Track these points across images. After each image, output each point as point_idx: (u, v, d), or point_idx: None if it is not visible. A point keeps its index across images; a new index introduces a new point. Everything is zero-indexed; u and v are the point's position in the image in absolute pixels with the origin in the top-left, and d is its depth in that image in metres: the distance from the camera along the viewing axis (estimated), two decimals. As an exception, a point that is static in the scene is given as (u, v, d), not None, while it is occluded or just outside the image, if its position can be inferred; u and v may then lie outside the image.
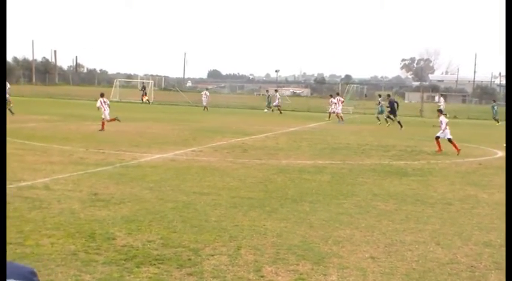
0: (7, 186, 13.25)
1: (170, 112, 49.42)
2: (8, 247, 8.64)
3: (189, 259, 8.49)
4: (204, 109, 55.62)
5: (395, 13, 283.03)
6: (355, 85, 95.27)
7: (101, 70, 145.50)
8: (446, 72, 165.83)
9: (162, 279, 7.67)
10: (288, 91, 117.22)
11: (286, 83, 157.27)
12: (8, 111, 34.75)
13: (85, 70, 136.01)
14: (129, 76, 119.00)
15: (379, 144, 26.47)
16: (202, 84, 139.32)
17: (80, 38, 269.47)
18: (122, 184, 14.32)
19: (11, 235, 9.33)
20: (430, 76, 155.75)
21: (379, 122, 42.67)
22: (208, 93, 58.82)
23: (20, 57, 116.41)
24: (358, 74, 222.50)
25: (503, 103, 46.33)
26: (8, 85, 42.69)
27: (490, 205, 13.40)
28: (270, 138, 28.60)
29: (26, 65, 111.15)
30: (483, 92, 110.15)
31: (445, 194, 14.80)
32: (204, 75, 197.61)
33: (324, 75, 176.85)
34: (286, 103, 70.86)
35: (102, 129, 28.81)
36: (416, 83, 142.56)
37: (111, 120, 29.90)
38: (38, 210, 11.19)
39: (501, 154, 23.83)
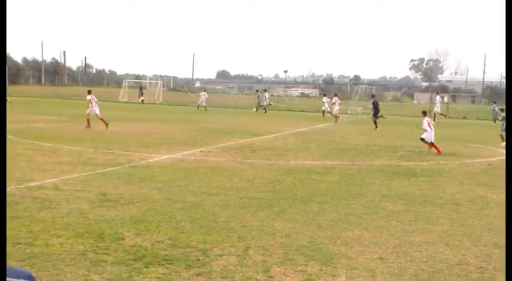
0: (16, 186, 13.32)
1: (179, 113, 49.49)
2: (17, 247, 8.68)
3: (198, 260, 8.50)
4: (204, 109, 55.65)
5: (405, 13, 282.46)
6: (363, 86, 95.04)
7: (109, 71, 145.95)
8: (456, 73, 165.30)
9: (170, 279, 7.68)
10: (296, 92, 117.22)
11: (295, 83, 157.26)
12: None
13: (94, 71, 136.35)
14: (137, 77, 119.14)
15: (388, 145, 26.42)
16: (211, 85, 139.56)
17: (89, 38, 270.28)
18: (130, 184, 14.35)
19: (20, 234, 9.37)
20: (439, 77, 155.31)
21: (382, 117, 42.85)
22: (206, 95, 58.82)
23: (29, 58, 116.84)
24: (367, 75, 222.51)
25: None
26: None
27: (499, 206, 13.33)
28: (279, 138, 28.59)
29: (36, 66, 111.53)
30: (493, 93, 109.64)
31: (454, 195, 14.76)
32: (213, 76, 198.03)
33: (333, 76, 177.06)
34: (294, 104, 70.90)
35: (107, 125, 28.95)
36: (426, 84, 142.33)
37: (88, 120, 30.06)
38: (47, 210, 11.22)
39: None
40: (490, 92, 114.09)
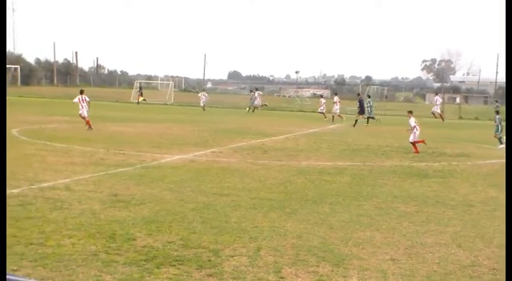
0: (29, 187, 13.39)
1: (190, 113, 49.54)
2: (30, 247, 8.72)
3: (209, 260, 8.50)
4: (203, 109, 55.80)
5: (416, 14, 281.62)
6: (375, 86, 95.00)
7: (121, 71, 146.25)
8: (468, 74, 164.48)
9: (182, 280, 7.69)
10: (308, 92, 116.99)
11: (306, 84, 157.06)
12: None
13: (106, 71, 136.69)
14: (149, 77, 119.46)
15: (400, 145, 26.32)
16: (222, 86, 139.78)
17: (101, 39, 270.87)
18: (142, 184, 14.38)
19: (32, 235, 9.41)
20: (452, 77, 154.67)
21: (377, 119, 42.91)
22: (206, 94, 59.02)
23: (42, 58, 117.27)
24: (378, 75, 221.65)
25: None
26: None
27: (512, 207, 13.26)
28: (290, 139, 28.57)
29: (48, 67, 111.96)
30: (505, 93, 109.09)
31: (467, 196, 14.70)
32: (224, 77, 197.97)
33: (344, 77, 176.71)
34: (306, 104, 70.77)
35: (90, 127, 28.93)
36: (438, 85, 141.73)
37: (84, 118, 30.01)
38: (59, 210, 11.26)
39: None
40: (502, 92, 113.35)
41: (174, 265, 8.20)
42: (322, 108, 47.25)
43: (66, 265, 8.01)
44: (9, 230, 9.52)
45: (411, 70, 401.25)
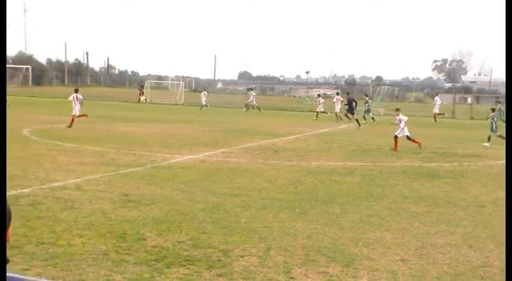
0: (40, 186, 13.45)
1: (200, 113, 49.60)
2: (41, 247, 8.75)
3: (219, 260, 8.51)
4: (201, 108, 56.30)
5: (427, 14, 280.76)
6: (386, 86, 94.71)
7: (132, 72, 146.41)
8: (479, 74, 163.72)
9: (192, 280, 7.70)
10: (318, 92, 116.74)
11: (317, 84, 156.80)
12: None
13: (116, 71, 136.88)
14: (159, 78, 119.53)
15: (410, 146, 26.24)
16: (232, 86, 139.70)
17: (112, 39, 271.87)
18: (152, 184, 14.40)
19: (43, 234, 9.45)
20: (463, 77, 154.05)
21: (374, 123, 42.74)
22: (207, 93, 60.01)
23: (53, 59, 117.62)
24: (389, 76, 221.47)
25: None
26: None
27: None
28: (300, 139, 28.55)
29: (59, 67, 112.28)
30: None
31: (478, 196, 14.64)
32: (235, 77, 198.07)
33: (355, 77, 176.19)
34: (316, 105, 70.67)
35: (70, 126, 29.14)
36: (449, 85, 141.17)
37: (80, 116, 30.52)
38: (69, 210, 11.30)
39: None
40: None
41: (184, 265, 8.21)
42: (320, 106, 47.34)
43: (77, 264, 8.04)
44: (20, 230, 9.57)
45: (422, 70, 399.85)
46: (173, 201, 12.56)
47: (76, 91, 31.70)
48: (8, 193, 12.34)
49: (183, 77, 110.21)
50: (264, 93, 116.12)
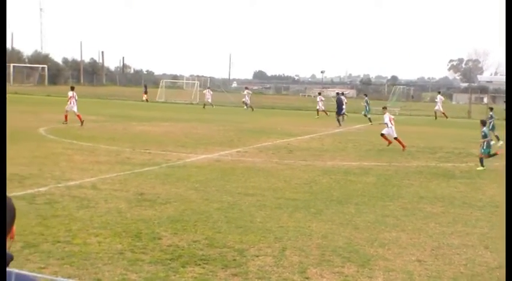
0: (56, 185, 13.51)
1: (216, 113, 49.62)
2: (57, 245, 8.79)
3: (234, 260, 8.51)
4: (202, 106, 56.60)
5: (443, 13, 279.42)
6: (401, 86, 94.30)
7: (147, 71, 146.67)
8: (496, 73, 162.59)
9: (207, 279, 7.71)
10: (333, 92, 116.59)
11: (332, 84, 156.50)
12: None
13: (132, 71, 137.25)
14: (175, 77, 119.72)
15: (426, 146, 26.15)
16: (247, 85, 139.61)
17: (127, 39, 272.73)
18: (167, 184, 14.43)
19: (59, 233, 9.49)
20: (479, 77, 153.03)
21: (370, 123, 42.59)
22: (211, 92, 60.31)
23: (69, 58, 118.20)
24: (404, 75, 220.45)
25: None
26: None
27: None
28: (315, 139, 28.51)
29: (75, 66, 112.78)
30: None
31: (494, 197, 14.55)
32: (250, 76, 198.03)
33: (370, 76, 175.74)
34: (331, 104, 70.55)
35: (82, 123, 29.60)
36: (465, 84, 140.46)
37: (66, 116, 30.69)
38: (85, 209, 11.35)
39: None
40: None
41: (199, 264, 8.22)
42: (319, 106, 47.28)
43: (93, 263, 8.07)
44: (36, 228, 9.63)
45: (438, 70, 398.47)
46: (188, 200, 12.58)
47: (72, 89, 32.16)
48: (24, 192, 12.44)
49: (198, 76, 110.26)
50: (279, 92, 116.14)
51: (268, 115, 49.39)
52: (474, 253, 9.44)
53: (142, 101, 63.49)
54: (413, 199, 13.90)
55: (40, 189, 12.98)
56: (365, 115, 44.12)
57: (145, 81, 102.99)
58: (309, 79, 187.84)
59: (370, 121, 42.54)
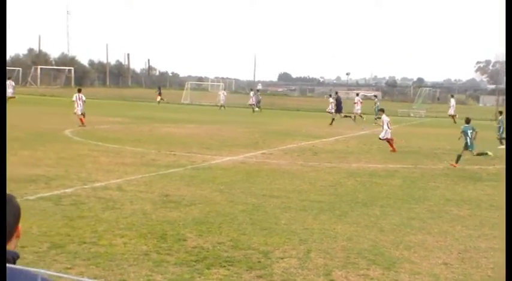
0: (82, 186, 13.61)
1: (240, 115, 49.68)
2: (83, 246, 8.85)
3: (259, 262, 8.50)
4: (219, 108, 56.99)
5: (470, 14, 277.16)
6: (427, 88, 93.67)
7: (172, 73, 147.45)
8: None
9: (232, 281, 7.71)
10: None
11: (357, 86, 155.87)
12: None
13: (157, 73, 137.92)
14: (200, 79, 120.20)
15: (452, 148, 25.89)
16: (272, 87, 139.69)
17: (153, 41, 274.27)
18: (192, 185, 14.47)
19: (85, 234, 9.55)
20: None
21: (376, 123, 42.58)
22: (225, 93, 60.58)
23: (95, 60, 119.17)
24: (430, 77, 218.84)
25: None
26: (12, 83, 47.07)
27: None
28: (340, 141, 28.42)
29: (101, 68, 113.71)
30: None
31: (522, 200, 14.36)
32: (275, 78, 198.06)
33: (396, 78, 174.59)
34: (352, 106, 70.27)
35: (83, 124, 29.76)
36: (492, 86, 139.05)
37: (81, 114, 30.86)
38: (111, 210, 11.41)
39: None
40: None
41: (224, 266, 8.22)
42: (330, 107, 47.20)
43: (118, 264, 8.11)
44: (63, 229, 9.71)
45: (465, 72, 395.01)
46: (213, 202, 12.59)
47: (79, 91, 32.38)
48: (51, 193, 12.56)
49: (223, 78, 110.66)
50: (304, 94, 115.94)
51: (293, 117, 49.38)
52: (502, 257, 9.32)
53: (159, 101, 63.05)
54: (439, 201, 13.79)
55: (66, 190, 13.08)
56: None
57: (170, 83, 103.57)
58: (334, 81, 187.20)
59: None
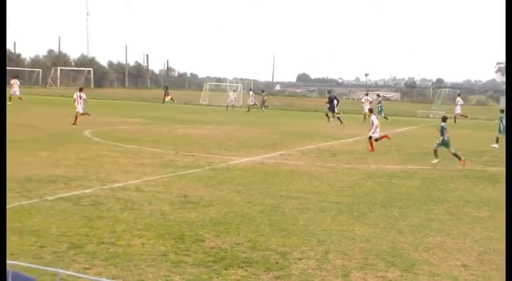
0: (100, 187, 13.67)
1: (259, 116, 49.71)
2: (101, 247, 8.89)
3: (277, 263, 8.49)
4: (227, 108, 57.51)
5: (491, 14, 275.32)
6: (447, 89, 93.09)
7: (191, 74, 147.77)
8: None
9: (249, 282, 7.71)
10: (374, 95, 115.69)
11: (376, 86, 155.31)
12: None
13: (176, 74, 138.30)
14: (218, 80, 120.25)
15: (472, 149, 25.76)
16: (291, 88, 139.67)
17: (172, 42, 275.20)
18: (210, 186, 14.48)
19: (104, 234, 9.59)
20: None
21: (388, 121, 42.49)
22: (235, 95, 61.80)
23: (114, 61, 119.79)
24: (450, 78, 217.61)
25: None
26: (18, 82, 47.17)
27: None
28: (359, 142, 28.32)
29: (120, 69, 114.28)
30: None
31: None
32: (293, 79, 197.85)
33: (415, 79, 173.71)
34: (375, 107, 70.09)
35: (75, 123, 30.07)
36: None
37: (83, 114, 31.20)
38: (129, 211, 11.45)
39: None
40: None
41: (242, 267, 8.22)
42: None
43: (136, 264, 8.14)
44: (81, 230, 9.76)
45: (485, 72, 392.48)
46: (231, 203, 12.60)
47: (80, 90, 32.87)
48: (70, 193, 12.64)
49: (241, 79, 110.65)
50: (323, 95, 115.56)
51: (311, 118, 49.33)
52: (521, 259, 9.25)
53: (165, 102, 62.44)
54: (458, 203, 13.71)
55: (85, 191, 13.15)
56: (385, 117, 43.99)
57: (189, 84, 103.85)
58: (353, 82, 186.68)
59: (387, 119, 42.79)
